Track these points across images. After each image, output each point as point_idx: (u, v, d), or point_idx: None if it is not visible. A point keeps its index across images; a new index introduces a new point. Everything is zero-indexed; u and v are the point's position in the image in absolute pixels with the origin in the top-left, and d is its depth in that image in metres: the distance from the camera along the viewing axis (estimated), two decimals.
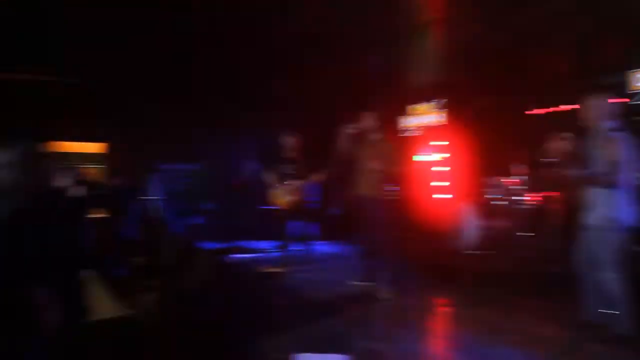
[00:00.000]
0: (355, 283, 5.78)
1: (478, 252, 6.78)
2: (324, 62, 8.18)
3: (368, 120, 5.71)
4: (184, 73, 8.07)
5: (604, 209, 3.99)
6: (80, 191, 6.24)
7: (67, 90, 8.34)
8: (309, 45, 7.62)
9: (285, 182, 7.06)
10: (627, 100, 6.53)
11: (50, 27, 5.98)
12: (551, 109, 7.63)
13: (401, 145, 8.10)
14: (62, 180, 5.90)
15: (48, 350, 2.81)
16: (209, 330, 4.58)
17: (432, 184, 8.19)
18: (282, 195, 7.07)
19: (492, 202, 7.35)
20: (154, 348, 4.59)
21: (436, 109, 9.04)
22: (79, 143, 10.36)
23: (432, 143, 8.44)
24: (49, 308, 2.71)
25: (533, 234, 6.73)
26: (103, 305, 6.65)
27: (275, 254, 7.42)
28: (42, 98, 8.48)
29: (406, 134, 9.50)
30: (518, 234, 6.92)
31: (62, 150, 9.32)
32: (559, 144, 6.31)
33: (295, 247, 7.30)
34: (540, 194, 6.73)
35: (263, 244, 8.19)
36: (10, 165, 2.69)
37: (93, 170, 7.73)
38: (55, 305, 2.76)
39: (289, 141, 7.20)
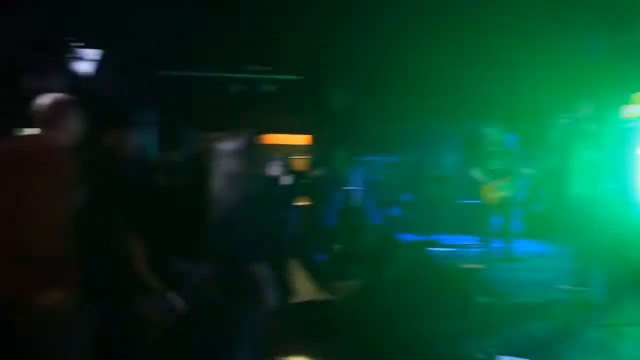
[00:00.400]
0: (564, 287, 5.30)
1: None
2: None
3: (584, 109, 5.22)
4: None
5: None
6: (289, 180, 6.66)
7: (279, 86, 8.95)
8: None
9: (492, 176, 6.75)
10: None
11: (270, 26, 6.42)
12: None
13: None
14: (274, 170, 6.36)
15: (262, 325, 3.01)
16: (405, 322, 4.57)
17: None
18: (490, 190, 6.78)
19: None
20: (348, 333, 4.71)
21: None
22: (287, 135, 11.11)
23: None
24: (266, 287, 2.90)
25: None
26: (305, 288, 7.06)
27: (476, 249, 7.15)
28: (256, 93, 9.20)
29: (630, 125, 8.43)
30: None
31: (272, 142, 10.04)
32: None
33: (497, 244, 6.95)
34: None
35: (463, 239, 7.95)
36: (236, 154, 2.93)
37: (299, 161, 8.18)
38: (269, 285, 2.95)
39: (494, 134, 6.88)
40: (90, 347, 2.54)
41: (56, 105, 2.57)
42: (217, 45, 7.29)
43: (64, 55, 5.76)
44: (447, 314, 4.49)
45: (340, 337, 5.04)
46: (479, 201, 6.89)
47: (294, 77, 8.73)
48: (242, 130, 3.03)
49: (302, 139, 11.24)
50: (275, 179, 6.26)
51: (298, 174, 7.44)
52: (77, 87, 7.11)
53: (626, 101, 8.53)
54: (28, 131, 2.73)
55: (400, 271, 5.16)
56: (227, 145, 2.96)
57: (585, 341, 4.05)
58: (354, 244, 6.23)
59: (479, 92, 8.39)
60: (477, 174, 6.90)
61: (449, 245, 7.78)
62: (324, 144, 9.89)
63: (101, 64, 6.44)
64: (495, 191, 6.74)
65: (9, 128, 3.60)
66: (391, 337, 4.42)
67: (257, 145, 3.03)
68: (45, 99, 2.58)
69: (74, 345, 2.45)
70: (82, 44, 5.80)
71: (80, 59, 6.01)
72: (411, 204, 9.48)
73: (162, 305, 3.74)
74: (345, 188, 8.52)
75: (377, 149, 10.13)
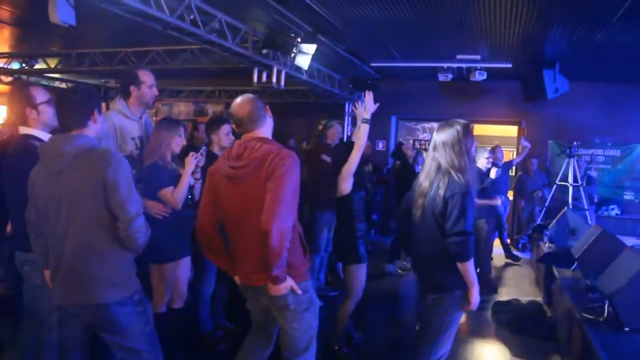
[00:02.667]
0: None
1: None
2: None
3: None
4: None
5: None
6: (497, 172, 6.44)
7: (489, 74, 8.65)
8: None
9: None
10: None
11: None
12: None
13: None
14: (482, 162, 6.20)
15: None
16: None
17: None
18: None
19: None
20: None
21: None
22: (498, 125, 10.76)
23: None
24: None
25: None
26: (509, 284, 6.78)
27: None
28: (465, 83, 9.01)
29: None
30: None
31: (478, 133, 9.78)
32: None
33: None
34: None
35: None
36: (444, 145, 2.93)
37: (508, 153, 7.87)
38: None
39: None
40: None
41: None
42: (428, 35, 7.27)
43: (288, 51, 6.24)
44: None
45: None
46: None
47: (505, 65, 8.30)
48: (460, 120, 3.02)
49: (509, 130, 10.77)
50: (483, 173, 6.11)
51: (505, 166, 7.13)
52: (296, 80, 7.70)
53: None
54: None
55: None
56: (443, 135, 2.98)
57: None
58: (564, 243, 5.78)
59: None
60: None
61: None
62: (535, 135, 9.36)
63: (316, 57, 6.85)
64: None
65: None
66: None
67: (462, 137, 2.97)
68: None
69: None
70: (300, 39, 6.21)
71: (299, 53, 6.45)
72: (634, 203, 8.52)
73: None
74: (556, 182, 7.95)
75: (595, 142, 9.27)
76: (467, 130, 2.94)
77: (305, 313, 2.73)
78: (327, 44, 7.01)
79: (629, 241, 6.86)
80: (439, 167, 2.93)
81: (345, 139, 8.45)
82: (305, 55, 6.49)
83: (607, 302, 3.49)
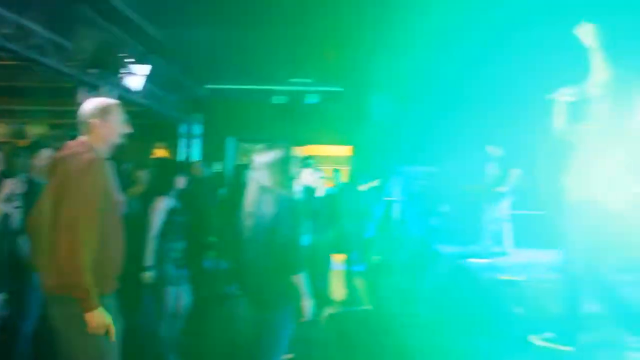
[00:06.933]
0: None
1: None
2: None
3: None
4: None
5: None
6: (328, 191, 6.75)
7: (322, 98, 9.13)
8: None
9: None
10: None
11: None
12: None
13: None
14: (312, 180, 6.46)
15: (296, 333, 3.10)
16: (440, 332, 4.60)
17: None
18: None
19: None
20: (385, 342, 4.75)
21: None
22: (328, 146, 11.29)
23: None
24: (304, 297, 3.02)
25: None
26: (344, 298, 7.12)
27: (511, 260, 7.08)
28: (298, 105, 9.38)
29: None
30: None
31: (313, 153, 10.22)
32: None
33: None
34: None
35: (501, 250, 7.83)
36: (268, 167, 3.06)
37: (340, 172, 8.29)
38: (307, 295, 3.05)
39: None
40: None
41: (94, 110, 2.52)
42: (261, 58, 7.49)
43: (116, 71, 6.04)
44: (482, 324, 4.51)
45: (377, 346, 5.11)
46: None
47: (337, 88, 8.87)
48: (278, 143, 3.16)
49: (342, 150, 11.39)
50: (313, 190, 6.37)
51: (337, 185, 7.53)
52: (127, 100, 7.46)
53: None
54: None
55: (438, 282, 5.20)
56: (263, 157, 3.10)
57: None
58: (389, 255, 6.27)
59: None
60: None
61: (489, 255, 7.65)
62: (364, 155, 10.04)
63: (149, 78, 6.71)
64: None
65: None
66: (427, 346, 4.48)
67: (289, 157, 3.13)
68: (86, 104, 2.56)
69: None
70: (132, 59, 6.07)
71: (130, 73, 6.29)
72: (450, 215, 9.42)
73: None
74: (384, 199, 8.58)
75: (417, 159, 10.14)
76: (289, 152, 3.12)
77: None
78: (161, 65, 6.92)
79: (449, 249, 7.79)
80: (262, 186, 3.06)
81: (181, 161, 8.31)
82: (136, 76, 6.34)
83: None
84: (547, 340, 4.02)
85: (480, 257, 7.28)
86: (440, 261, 7.17)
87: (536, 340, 4.00)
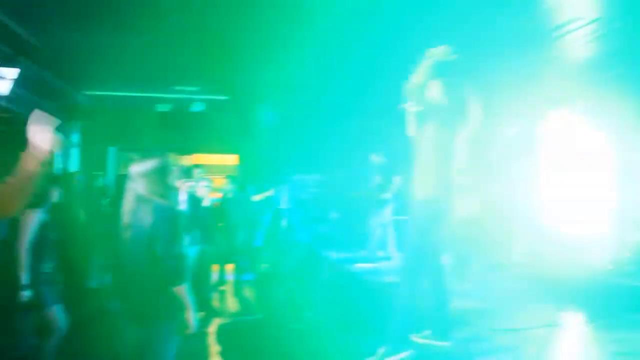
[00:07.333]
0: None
1: None
2: None
3: None
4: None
5: None
6: (213, 201, 6.68)
7: (207, 106, 9.02)
8: None
9: None
10: None
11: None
12: None
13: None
14: (200, 190, 6.37)
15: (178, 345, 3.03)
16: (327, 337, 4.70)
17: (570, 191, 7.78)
18: None
19: None
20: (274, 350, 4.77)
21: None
22: (214, 155, 11.14)
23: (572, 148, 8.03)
24: (187, 309, 2.96)
25: None
26: (231, 308, 7.06)
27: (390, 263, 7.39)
28: (184, 114, 9.19)
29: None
30: None
31: (199, 162, 10.05)
32: None
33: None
34: None
35: (386, 254, 8.15)
36: (144, 176, 2.98)
37: (224, 181, 8.22)
38: (190, 306, 2.99)
39: None
40: None
41: None
42: (144, 65, 7.25)
43: None
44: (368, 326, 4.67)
45: (267, 354, 5.11)
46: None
47: (222, 97, 8.80)
48: (157, 152, 3.08)
49: (229, 159, 11.30)
50: (199, 200, 6.27)
51: (224, 194, 7.45)
52: None
53: None
54: None
55: (326, 287, 5.30)
56: (141, 167, 3.01)
57: None
58: (279, 263, 6.31)
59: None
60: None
61: (374, 259, 7.93)
62: (252, 163, 10.04)
63: (19, 82, 6.27)
64: None
65: None
66: (315, 351, 4.55)
67: (167, 166, 3.07)
68: None
69: None
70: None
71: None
72: (338, 221, 9.67)
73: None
74: (272, 207, 8.62)
75: (304, 168, 10.29)
76: (168, 162, 3.06)
77: None
78: (33, 68, 6.47)
79: (337, 255, 7.97)
80: (140, 196, 2.97)
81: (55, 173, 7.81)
82: (1, 79, 5.89)
83: None
84: (425, 337, 4.24)
85: (367, 262, 7.52)
86: (328, 267, 7.33)
87: (416, 338, 4.20)
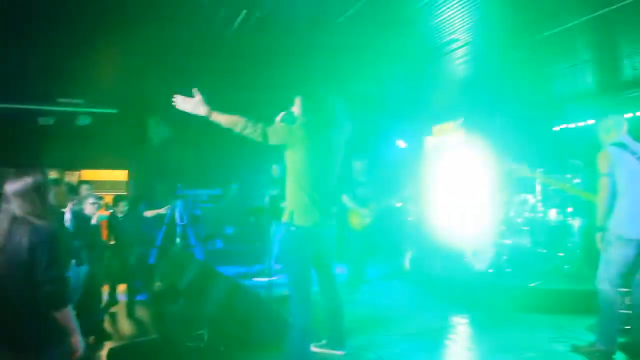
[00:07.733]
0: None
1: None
2: None
3: None
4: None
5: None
6: (102, 218, 6.43)
7: (93, 119, 8.65)
8: None
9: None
10: None
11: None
12: None
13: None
14: (87, 207, 6.10)
15: None
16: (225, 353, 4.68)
17: (454, 201, 8.29)
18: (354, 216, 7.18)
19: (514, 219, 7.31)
20: None
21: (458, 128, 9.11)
22: (104, 170, 10.70)
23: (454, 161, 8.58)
24: (73, 333, 2.84)
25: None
26: (126, 329, 6.80)
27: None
28: (69, 127, 8.75)
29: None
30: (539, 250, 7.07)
31: (88, 178, 9.60)
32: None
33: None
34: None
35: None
36: (21, 195, 2.82)
37: (114, 198, 7.92)
38: (76, 330, 2.87)
39: (359, 165, 7.31)
40: None
41: None
42: (26, 74, 6.83)
43: None
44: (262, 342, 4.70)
45: None
46: None
47: (110, 110, 8.47)
48: (32, 168, 2.93)
49: (118, 175, 10.90)
50: (86, 218, 6.00)
51: (113, 211, 7.17)
52: None
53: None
54: None
55: (215, 304, 5.26)
56: (14, 185, 2.85)
57: None
58: (174, 280, 6.17)
59: None
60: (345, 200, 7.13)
61: (271, 274, 7.97)
62: (143, 179, 9.75)
63: None
64: (359, 218, 7.16)
65: None
66: None
67: (45, 183, 2.94)
68: None
69: None
70: None
71: None
72: (234, 237, 9.61)
73: None
74: (165, 223, 8.41)
75: (198, 183, 10.15)
76: (43, 179, 2.92)
77: None
78: None
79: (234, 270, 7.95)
80: (15, 217, 2.81)
81: None
82: None
83: None
84: (321, 346, 4.35)
85: (264, 276, 7.54)
86: (224, 282, 7.25)
87: (315, 348, 4.30)
